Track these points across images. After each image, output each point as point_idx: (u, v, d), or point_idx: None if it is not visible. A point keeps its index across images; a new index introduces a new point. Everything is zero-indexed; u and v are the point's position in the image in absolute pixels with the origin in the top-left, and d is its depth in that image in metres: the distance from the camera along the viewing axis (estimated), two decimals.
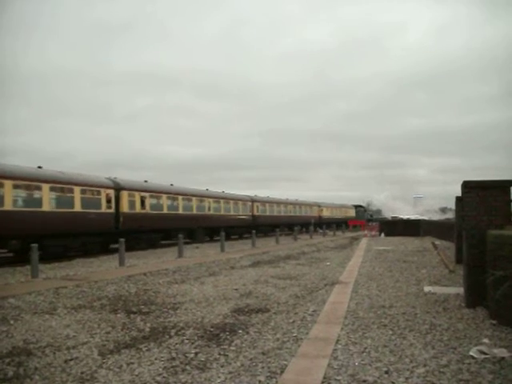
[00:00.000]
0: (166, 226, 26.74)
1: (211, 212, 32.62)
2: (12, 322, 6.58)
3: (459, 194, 9.74)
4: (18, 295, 8.73)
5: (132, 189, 24.31)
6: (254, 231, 26.06)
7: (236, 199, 37.23)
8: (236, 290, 9.23)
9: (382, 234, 35.74)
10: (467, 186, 7.24)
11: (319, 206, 56.97)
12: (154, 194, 26.22)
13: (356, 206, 73.28)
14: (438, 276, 10.74)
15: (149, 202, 25.35)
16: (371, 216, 79.25)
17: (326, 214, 58.63)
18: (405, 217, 63.51)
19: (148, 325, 6.37)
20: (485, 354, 4.62)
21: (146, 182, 26.86)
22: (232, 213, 35.82)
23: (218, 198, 34.30)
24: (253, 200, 40.34)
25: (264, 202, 42.97)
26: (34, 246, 12.29)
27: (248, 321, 6.50)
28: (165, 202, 27.18)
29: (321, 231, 41.51)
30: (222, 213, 34.27)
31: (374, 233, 39.71)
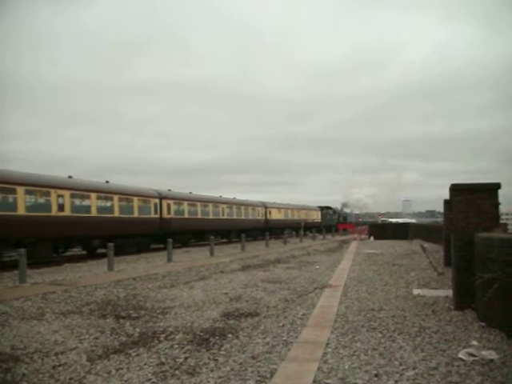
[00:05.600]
0: None
1: (68, 213, 19.96)
2: None
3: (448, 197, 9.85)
4: (6, 301, 8.60)
5: None
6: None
7: (130, 194, 24.86)
8: (226, 294, 9.19)
9: (372, 238, 36.08)
10: (455, 189, 7.30)
11: (266, 207, 44.97)
12: None
13: (322, 208, 62.30)
14: (426, 279, 10.81)
15: None
16: (344, 219, 69.00)
17: (276, 217, 46.85)
18: (393, 220, 63.95)
19: (137, 330, 6.32)
20: (474, 356, 4.65)
21: None
22: (118, 214, 23.46)
23: (85, 190, 21.57)
24: (162, 196, 27.87)
25: (181, 199, 30.20)
26: (23, 250, 12.06)
27: (238, 325, 6.48)
28: None
29: (310, 235, 41.38)
30: (95, 214, 21.85)
31: (363, 236, 40.04)
